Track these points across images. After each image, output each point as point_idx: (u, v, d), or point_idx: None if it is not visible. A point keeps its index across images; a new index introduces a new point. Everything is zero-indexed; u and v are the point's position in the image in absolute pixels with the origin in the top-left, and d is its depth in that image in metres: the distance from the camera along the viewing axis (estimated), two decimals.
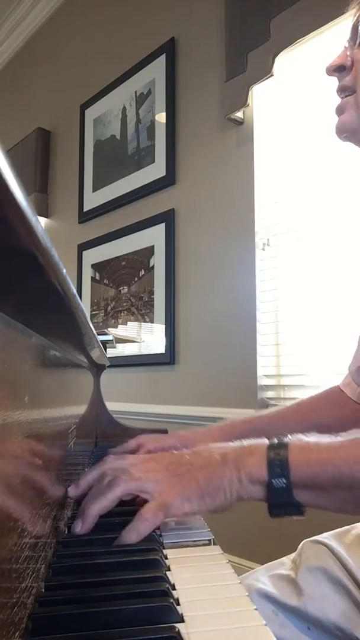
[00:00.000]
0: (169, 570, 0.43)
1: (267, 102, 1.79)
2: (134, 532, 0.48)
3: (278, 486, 0.48)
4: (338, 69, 0.68)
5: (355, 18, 0.68)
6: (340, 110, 0.68)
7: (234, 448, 0.53)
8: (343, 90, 0.68)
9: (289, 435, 0.52)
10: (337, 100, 0.70)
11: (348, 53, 0.67)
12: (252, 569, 0.74)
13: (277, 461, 0.49)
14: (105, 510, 0.51)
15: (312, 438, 0.52)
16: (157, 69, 2.24)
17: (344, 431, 0.81)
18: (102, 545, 0.48)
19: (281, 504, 0.48)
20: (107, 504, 0.51)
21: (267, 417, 0.82)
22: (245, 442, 0.54)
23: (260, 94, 1.79)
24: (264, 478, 0.49)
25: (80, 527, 0.50)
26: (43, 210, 3.00)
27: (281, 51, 1.61)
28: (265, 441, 0.52)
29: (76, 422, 0.75)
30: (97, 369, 1.18)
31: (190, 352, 2.00)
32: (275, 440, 0.52)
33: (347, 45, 0.68)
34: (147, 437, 0.79)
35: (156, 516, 0.49)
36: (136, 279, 2.31)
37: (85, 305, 2.53)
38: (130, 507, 0.53)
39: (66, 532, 0.53)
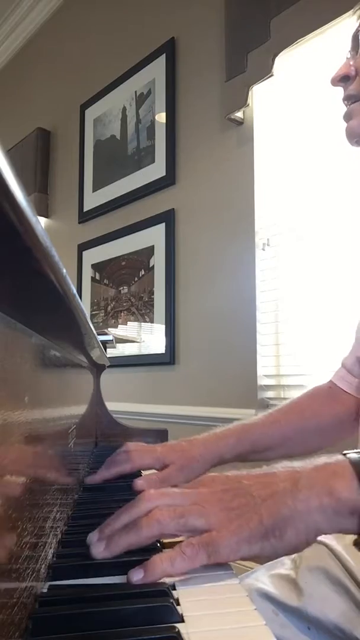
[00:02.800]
0: None
1: (267, 102, 1.79)
2: (169, 566, 0.39)
3: None
4: (343, 79, 0.70)
5: (355, 29, 0.70)
6: (348, 117, 0.70)
7: (306, 470, 0.43)
8: (349, 99, 0.70)
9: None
10: (342, 107, 0.72)
11: (351, 63, 0.70)
12: (252, 569, 0.74)
13: None
14: (134, 548, 0.43)
15: None
16: (157, 69, 2.24)
17: (338, 428, 0.81)
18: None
19: None
20: (138, 541, 0.42)
21: (262, 423, 0.80)
22: (319, 460, 0.43)
23: (260, 94, 1.79)
24: (358, 505, 0.39)
25: (100, 552, 0.43)
26: (43, 210, 3.00)
27: (281, 51, 1.60)
28: (340, 456, 0.43)
29: (76, 422, 0.75)
30: (97, 369, 1.18)
31: (190, 352, 2.00)
32: (354, 455, 0.42)
33: (349, 55, 0.71)
34: (124, 456, 0.74)
35: (197, 555, 0.40)
36: (136, 279, 2.31)
37: (85, 305, 2.53)
38: None
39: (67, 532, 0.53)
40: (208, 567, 0.44)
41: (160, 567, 0.40)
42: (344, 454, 0.43)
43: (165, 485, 0.67)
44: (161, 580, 0.40)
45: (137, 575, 0.39)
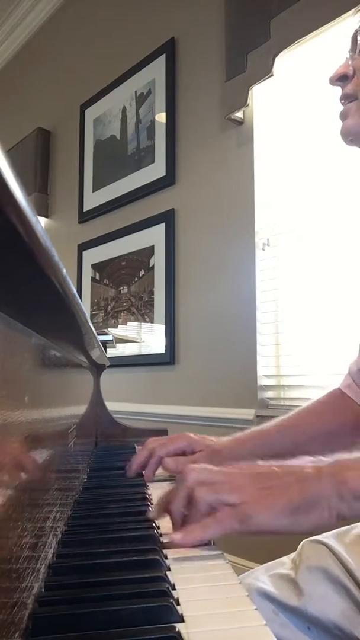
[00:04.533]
0: (169, 570, 0.43)
1: (267, 102, 1.79)
2: (199, 531, 0.45)
3: None
4: (341, 79, 0.71)
5: (354, 29, 0.70)
6: (344, 116, 0.71)
7: (325, 463, 0.49)
8: (346, 98, 0.71)
9: None
10: (339, 107, 0.73)
11: (350, 62, 0.70)
12: (252, 568, 0.74)
13: None
14: (205, 542, 0.47)
15: None
16: (157, 69, 2.24)
17: (349, 436, 0.81)
18: (102, 545, 0.48)
19: None
20: (210, 537, 0.46)
21: (277, 429, 0.82)
22: (337, 458, 0.50)
23: (260, 94, 1.79)
24: None
25: (180, 539, 0.46)
26: (43, 210, 3.00)
27: (281, 51, 1.60)
28: (351, 455, 0.48)
29: (76, 422, 0.75)
30: (97, 369, 1.18)
31: (190, 352, 2.00)
32: None
33: (348, 55, 0.71)
34: (156, 442, 0.79)
35: (229, 522, 0.45)
36: (136, 279, 2.31)
37: (85, 305, 2.53)
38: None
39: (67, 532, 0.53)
40: (208, 566, 0.44)
41: (195, 533, 0.45)
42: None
43: None
44: (162, 581, 0.40)
45: (176, 536, 0.45)
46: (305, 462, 0.50)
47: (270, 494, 0.46)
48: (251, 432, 0.82)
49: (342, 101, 0.72)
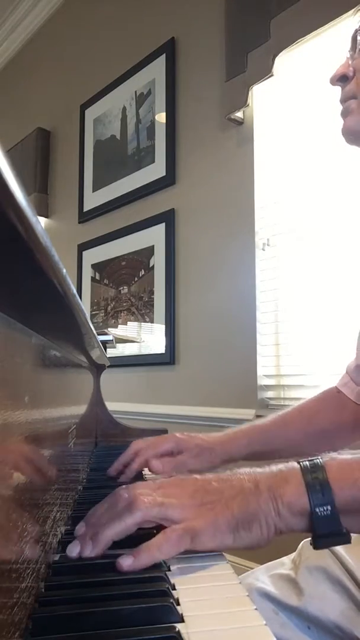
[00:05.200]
0: (169, 570, 0.43)
1: (267, 102, 1.79)
2: (152, 552, 0.42)
3: (322, 514, 0.43)
4: (341, 79, 0.71)
5: (354, 29, 0.71)
6: (345, 115, 0.71)
7: (264, 474, 0.47)
8: (346, 98, 0.71)
9: (319, 456, 0.47)
10: (339, 106, 0.73)
11: (350, 63, 0.71)
12: (252, 569, 0.74)
13: (318, 485, 0.43)
14: (121, 537, 0.44)
15: (344, 454, 0.47)
16: (157, 69, 2.24)
17: (343, 434, 0.81)
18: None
19: (327, 533, 0.43)
20: (124, 529, 0.44)
21: (271, 425, 0.82)
22: (275, 467, 0.48)
23: (260, 94, 1.79)
24: (305, 507, 0.43)
25: (90, 551, 0.44)
26: (43, 210, 3.00)
27: (281, 51, 1.60)
28: (295, 464, 0.47)
29: (76, 422, 0.75)
30: (97, 369, 1.18)
31: (190, 352, 2.00)
32: (307, 463, 0.46)
33: (348, 55, 0.72)
34: (142, 443, 0.77)
35: (181, 540, 0.43)
36: (136, 279, 2.31)
37: (85, 305, 2.53)
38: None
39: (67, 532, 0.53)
40: (208, 566, 0.44)
41: (148, 553, 0.42)
42: (299, 462, 0.47)
43: (178, 471, 0.72)
44: (162, 581, 0.40)
45: (126, 561, 0.41)
46: (242, 472, 0.48)
47: (211, 509, 0.44)
48: (245, 428, 0.81)
49: (343, 101, 0.72)
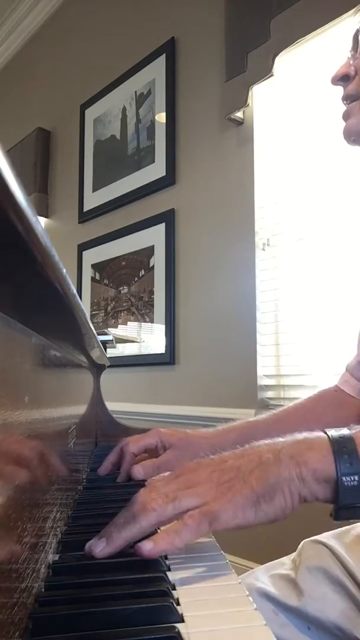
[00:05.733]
0: (169, 570, 0.43)
1: (267, 102, 1.79)
2: (171, 538, 0.42)
3: (349, 484, 0.42)
4: (342, 79, 0.71)
5: (355, 29, 0.71)
6: (346, 116, 0.71)
7: (287, 442, 0.46)
8: (348, 98, 0.71)
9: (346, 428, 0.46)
10: (341, 107, 0.73)
11: (351, 62, 0.70)
12: (252, 569, 0.74)
13: (346, 455, 0.43)
14: (136, 538, 0.43)
15: None
16: (157, 69, 2.24)
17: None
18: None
19: (350, 505, 0.42)
20: (138, 532, 0.43)
21: (265, 421, 0.81)
22: (299, 435, 0.47)
23: (260, 94, 1.79)
24: (331, 475, 0.43)
25: (102, 549, 0.43)
26: (43, 210, 3.00)
27: (281, 51, 1.61)
28: (321, 433, 0.46)
29: (76, 422, 0.75)
30: (97, 369, 1.18)
31: (190, 352, 2.00)
32: (334, 432, 0.45)
33: (349, 55, 0.71)
34: (126, 439, 0.77)
35: (200, 524, 0.42)
36: (136, 279, 2.31)
37: (85, 305, 2.53)
38: None
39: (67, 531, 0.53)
40: (208, 566, 0.44)
41: (167, 539, 0.42)
42: (324, 432, 0.46)
43: (161, 471, 0.70)
44: (162, 581, 0.40)
45: (146, 546, 0.42)
46: (260, 444, 0.47)
47: (230, 487, 0.44)
48: (238, 424, 0.80)
49: (344, 101, 0.72)
